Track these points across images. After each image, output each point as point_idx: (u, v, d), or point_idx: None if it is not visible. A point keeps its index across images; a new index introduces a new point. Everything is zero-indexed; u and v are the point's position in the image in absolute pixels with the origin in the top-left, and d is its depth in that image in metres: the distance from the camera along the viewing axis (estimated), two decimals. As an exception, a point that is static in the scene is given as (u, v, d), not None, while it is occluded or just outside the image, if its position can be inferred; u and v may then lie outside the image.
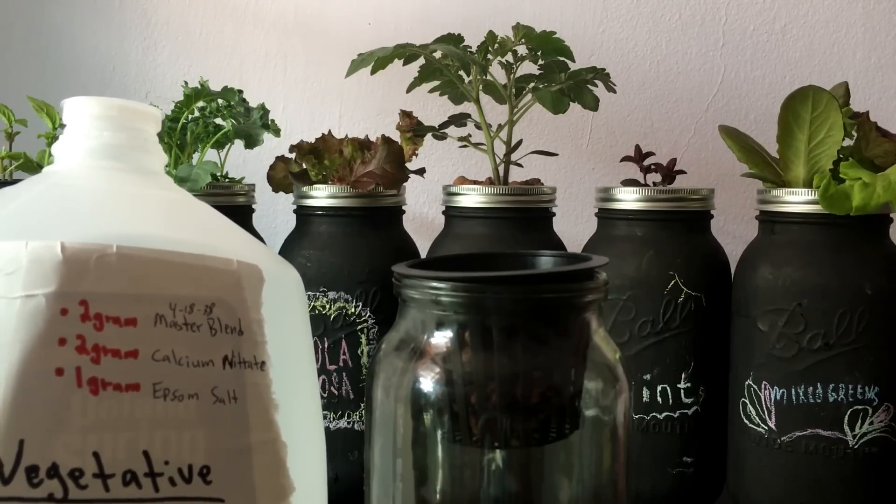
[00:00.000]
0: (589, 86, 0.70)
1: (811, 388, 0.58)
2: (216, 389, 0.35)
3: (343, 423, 0.64)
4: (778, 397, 0.59)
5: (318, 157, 0.70)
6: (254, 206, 0.75)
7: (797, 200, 0.60)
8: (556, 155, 0.78)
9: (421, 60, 0.70)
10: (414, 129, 0.72)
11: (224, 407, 0.35)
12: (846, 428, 0.58)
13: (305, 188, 0.67)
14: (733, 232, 0.87)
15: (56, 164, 0.41)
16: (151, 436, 0.33)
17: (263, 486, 0.35)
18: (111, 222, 0.38)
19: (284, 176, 0.71)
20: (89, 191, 0.39)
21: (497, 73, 0.72)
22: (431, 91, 0.73)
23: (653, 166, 0.69)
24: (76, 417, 0.32)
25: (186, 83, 0.74)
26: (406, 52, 0.68)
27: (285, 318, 0.41)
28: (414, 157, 0.72)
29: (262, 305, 0.38)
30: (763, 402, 0.60)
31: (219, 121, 0.74)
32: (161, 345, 0.34)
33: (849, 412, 0.57)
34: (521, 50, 0.71)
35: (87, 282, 0.33)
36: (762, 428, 0.60)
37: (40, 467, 0.31)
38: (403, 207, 0.71)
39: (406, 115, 0.73)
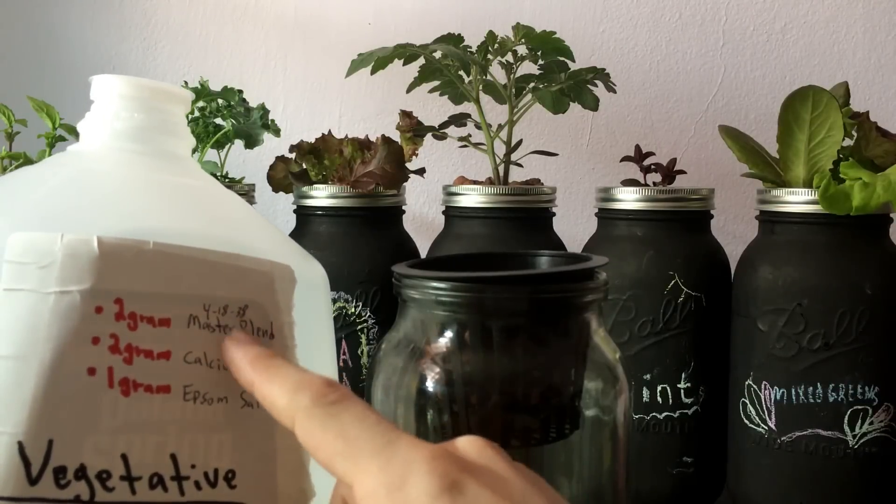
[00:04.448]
0: (589, 86, 0.70)
1: (811, 388, 0.58)
2: (245, 393, 0.34)
3: (343, 423, 0.64)
4: (778, 397, 0.59)
5: (318, 157, 0.70)
6: (254, 206, 0.75)
7: (797, 200, 0.59)
8: (556, 155, 0.78)
9: (421, 60, 0.70)
10: (414, 129, 0.72)
11: (252, 411, 0.34)
12: (846, 428, 0.58)
13: (305, 188, 0.67)
14: (733, 232, 0.87)
15: (82, 143, 0.40)
16: (180, 439, 0.32)
17: (285, 491, 0.35)
18: (143, 214, 0.37)
19: (284, 176, 0.71)
20: (120, 178, 0.38)
21: (497, 73, 0.71)
22: (431, 91, 0.73)
23: (653, 166, 0.69)
24: (106, 418, 0.31)
25: (186, 83, 0.74)
26: (406, 52, 0.68)
27: (311, 315, 0.40)
28: (414, 157, 0.72)
29: (293, 308, 0.37)
30: (763, 402, 0.60)
31: (219, 121, 0.74)
32: (193, 347, 0.33)
33: (849, 412, 0.57)
34: (521, 50, 0.71)
35: (123, 279, 0.32)
36: (762, 428, 0.60)
37: (68, 468, 0.30)
38: (403, 207, 0.71)
39: (406, 115, 0.73)
